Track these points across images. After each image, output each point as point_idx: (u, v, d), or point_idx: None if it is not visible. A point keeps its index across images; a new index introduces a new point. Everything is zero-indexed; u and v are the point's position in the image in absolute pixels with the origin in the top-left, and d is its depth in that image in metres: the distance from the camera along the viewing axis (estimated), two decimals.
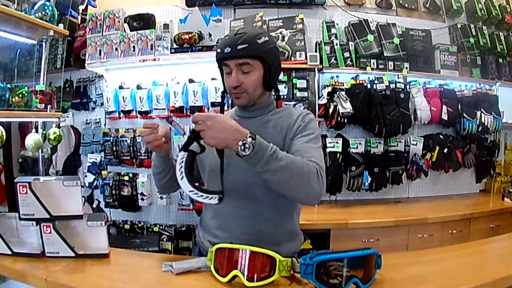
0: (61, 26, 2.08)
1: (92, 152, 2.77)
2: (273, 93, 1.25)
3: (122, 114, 2.70)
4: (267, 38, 1.14)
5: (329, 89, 2.55)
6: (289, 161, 1.00)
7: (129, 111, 2.66)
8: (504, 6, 3.03)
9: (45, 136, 2.22)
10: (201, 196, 1.04)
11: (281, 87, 2.61)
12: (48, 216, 1.13)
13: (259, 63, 1.14)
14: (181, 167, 1.04)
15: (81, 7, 2.65)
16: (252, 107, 1.21)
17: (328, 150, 2.55)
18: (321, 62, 2.58)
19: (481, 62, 2.93)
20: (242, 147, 0.95)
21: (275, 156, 0.98)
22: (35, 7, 1.94)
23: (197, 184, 1.08)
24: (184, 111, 2.58)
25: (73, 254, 1.15)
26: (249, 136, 0.96)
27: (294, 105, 2.54)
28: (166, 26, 2.57)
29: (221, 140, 0.97)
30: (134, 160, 2.65)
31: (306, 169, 1.01)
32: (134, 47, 2.54)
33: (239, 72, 1.13)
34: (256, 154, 0.96)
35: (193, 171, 1.09)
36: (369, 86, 2.63)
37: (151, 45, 2.53)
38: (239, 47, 1.10)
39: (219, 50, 1.15)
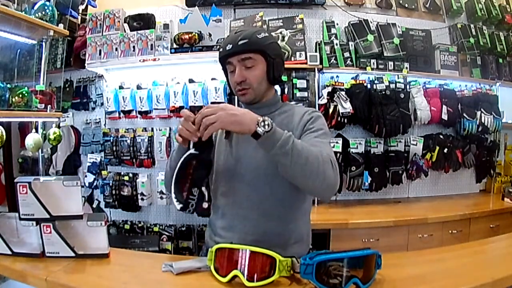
0: (61, 26, 2.07)
1: (92, 152, 2.76)
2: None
3: (122, 114, 2.70)
4: (266, 34, 1.18)
5: (329, 89, 2.55)
6: (305, 147, 0.99)
7: (129, 111, 2.66)
8: (504, 6, 3.03)
9: (45, 136, 2.22)
10: (172, 195, 1.03)
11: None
12: (48, 216, 1.13)
13: (261, 57, 1.15)
14: (181, 162, 1.03)
15: (81, 7, 2.65)
16: (258, 104, 1.22)
17: None
18: (321, 62, 2.58)
19: (481, 62, 2.93)
20: (263, 124, 0.95)
21: (292, 140, 0.97)
22: (35, 7, 1.93)
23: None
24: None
25: (73, 254, 1.15)
26: (266, 116, 0.98)
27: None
28: (166, 26, 2.57)
29: (240, 121, 0.96)
30: (134, 160, 2.65)
31: (320, 158, 0.99)
32: (134, 47, 2.54)
33: (242, 68, 1.15)
34: (274, 134, 0.96)
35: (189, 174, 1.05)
36: (369, 86, 2.63)
37: (151, 45, 2.53)
38: (239, 42, 1.13)
39: (221, 50, 1.18)
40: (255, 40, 1.13)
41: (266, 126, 0.95)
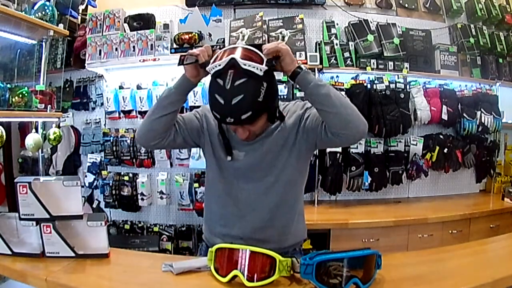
0: (61, 26, 2.08)
1: (92, 152, 2.76)
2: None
3: (122, 114, 2.70)
4: (265, 84, 1.00)
5: None
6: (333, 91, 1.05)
7: (129, 111, 2.66)
8: (504, 6, 3.02)
9: (45, 136, 2.22)
10: None
11: (281, 87, 2.62)
12: (48, 216, 1.13)
13: (264, 113, 1.08)
14: None
15: (81, 7, 2.64)
16: None
17: (328, 150, 2.54)
18: (321, 62, 2.58)
19: (481, 62, 2.93)
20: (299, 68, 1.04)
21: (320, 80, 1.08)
22: (35, 7, 1.93)
23: None
24: (184, 111, 2.58)
25: (73, 254, 1.15)
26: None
27: None
28: (166, 26, 2.57)
29: (292, 60, 1.04)
30: (134, 160, 2.65)
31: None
32: (134, 47, 2.54)
33: (245, 127, 1.08)
34: (309, 73, 1.05)
35: None
36: (369, 86, 2.62)
37: (151, 45, 2.53)
38: (243, 116, 1.00)
39: (218, 117, 1.04)
40: (257, 107, 1.00)
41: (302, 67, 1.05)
